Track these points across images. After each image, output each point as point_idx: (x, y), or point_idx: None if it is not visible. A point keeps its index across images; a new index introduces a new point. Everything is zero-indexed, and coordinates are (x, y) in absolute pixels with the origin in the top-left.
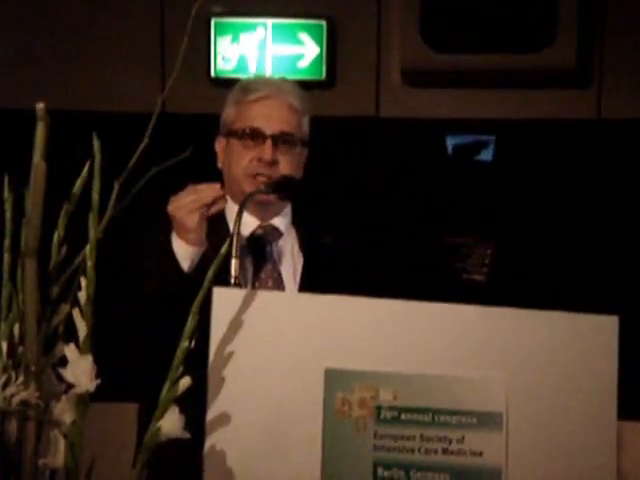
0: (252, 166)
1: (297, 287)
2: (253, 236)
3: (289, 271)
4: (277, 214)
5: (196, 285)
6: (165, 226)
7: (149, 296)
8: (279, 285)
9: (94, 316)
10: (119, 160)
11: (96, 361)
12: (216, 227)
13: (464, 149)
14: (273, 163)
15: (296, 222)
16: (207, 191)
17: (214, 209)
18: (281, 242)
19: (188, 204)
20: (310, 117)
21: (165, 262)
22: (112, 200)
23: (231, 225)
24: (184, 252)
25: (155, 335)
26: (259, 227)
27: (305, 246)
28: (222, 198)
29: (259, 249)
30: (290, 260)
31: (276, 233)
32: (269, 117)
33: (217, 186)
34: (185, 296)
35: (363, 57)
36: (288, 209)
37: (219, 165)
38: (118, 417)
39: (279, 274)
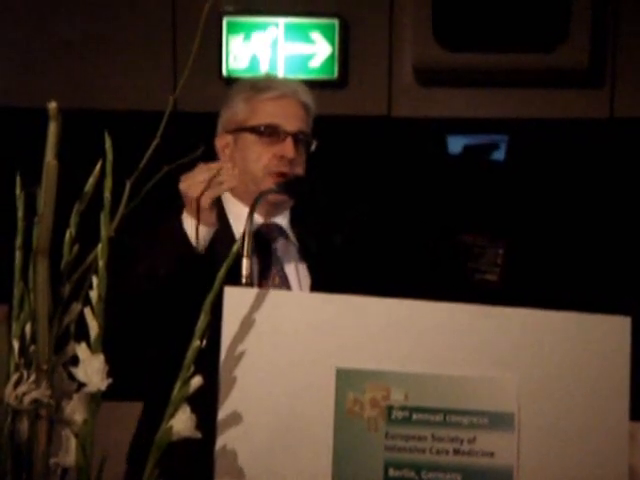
0: (273, 164)
1: (300, 286)
2: (258, 233)
3: (293, 270)
4: (280, 213)
5: (208, 267)
6: (176, 211)
7: (161, 278)
8: (285, 282)
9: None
10: (131, 159)
11: (107, 359)
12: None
13: (476, 149)
14: (294, 161)
15: (295, 222)
16: (219, 170)
17: (226, 186)
18: (284, 240)
19: (201, 183)
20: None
21: (177, 242)
22: (124, 199)
23: (232, 222)
24: (196, 232)
25: (166, 319)
26: (263, 225)
27: (316, 246)
28: (234, 176)
29: (264, 246)
30: (293, 259)
31: (279, 231)
32: (288, 115)
33: (229, 164)
34: (197, 277)
35: (375, 56)
36: (288, 209)
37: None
38: (129, 416)
39: (284, 272)
